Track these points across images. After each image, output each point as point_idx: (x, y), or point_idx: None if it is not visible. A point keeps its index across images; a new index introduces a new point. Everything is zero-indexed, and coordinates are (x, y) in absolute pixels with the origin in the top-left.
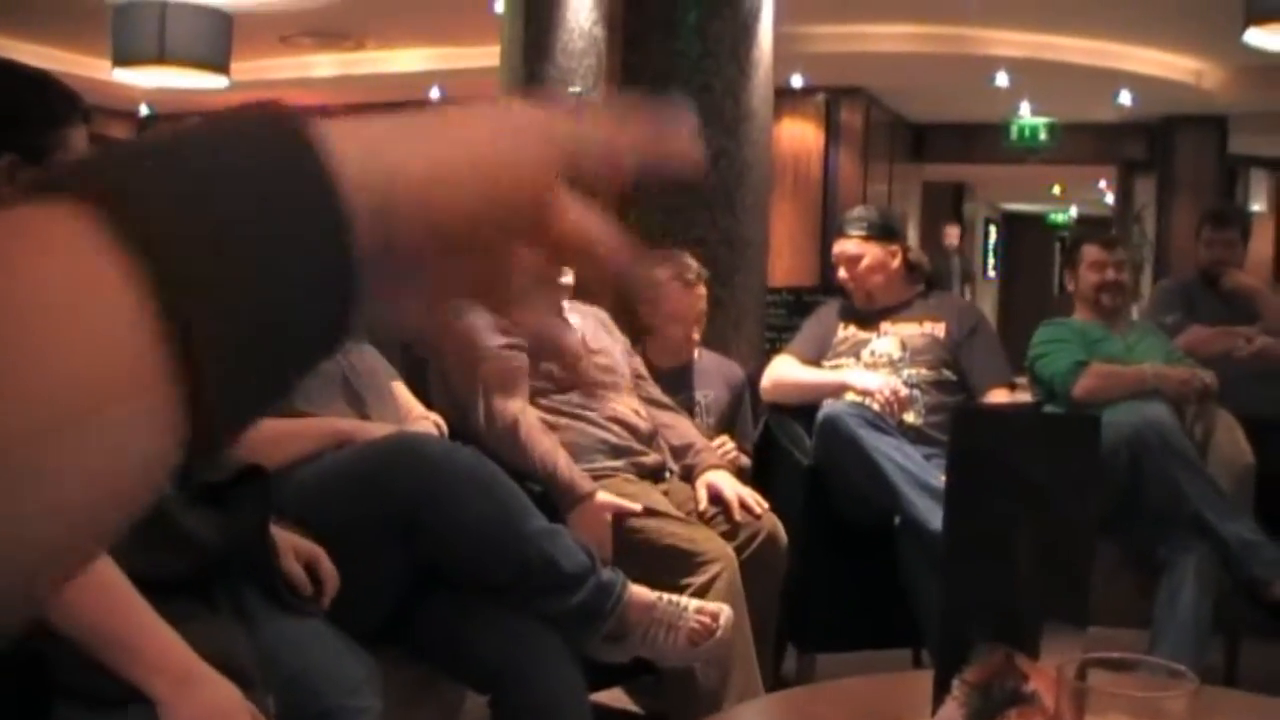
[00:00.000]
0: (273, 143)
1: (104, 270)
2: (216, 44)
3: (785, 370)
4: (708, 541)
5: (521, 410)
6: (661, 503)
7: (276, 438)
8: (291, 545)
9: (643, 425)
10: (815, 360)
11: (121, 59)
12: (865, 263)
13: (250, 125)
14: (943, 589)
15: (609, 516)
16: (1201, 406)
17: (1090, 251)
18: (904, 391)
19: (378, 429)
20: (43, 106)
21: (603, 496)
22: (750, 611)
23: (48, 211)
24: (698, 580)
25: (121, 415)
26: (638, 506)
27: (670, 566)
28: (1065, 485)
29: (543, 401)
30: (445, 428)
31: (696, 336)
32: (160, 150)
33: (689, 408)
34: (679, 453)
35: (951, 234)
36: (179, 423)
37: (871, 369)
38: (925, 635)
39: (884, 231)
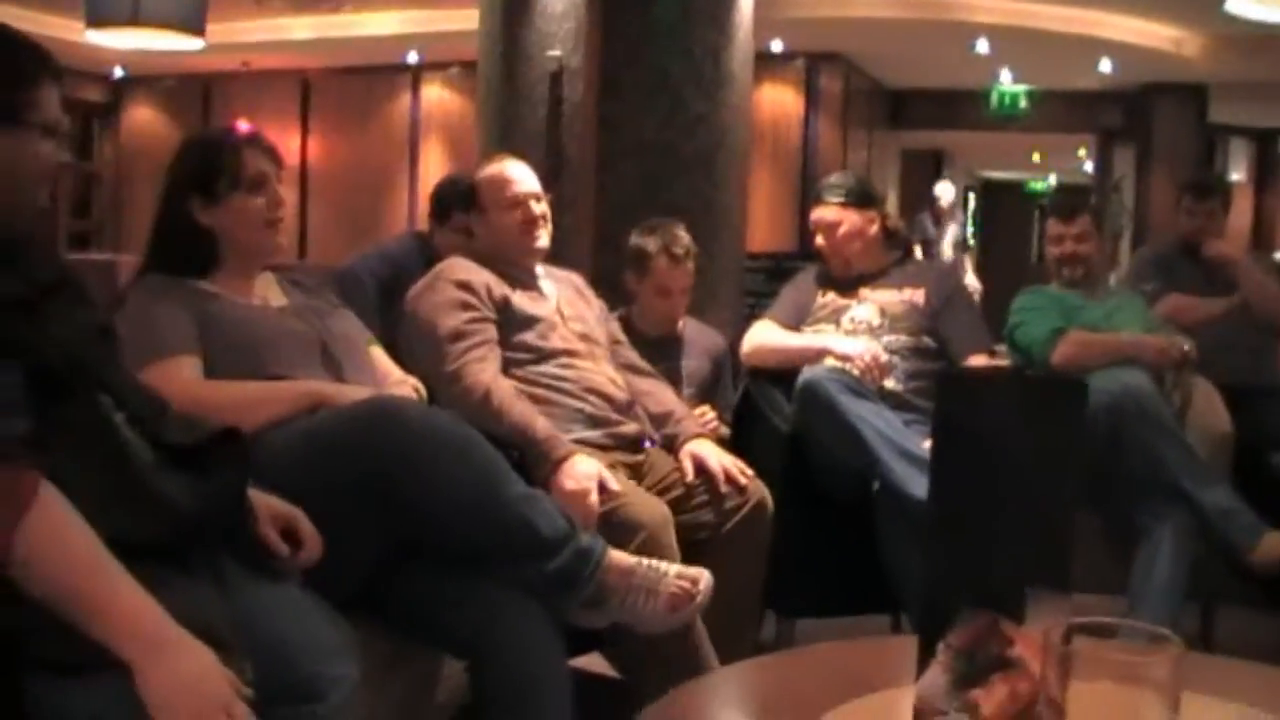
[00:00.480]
0: None
1: None
2: (191, 6)
3: (765, 335)
4: (635, 507)
5: (494, 379)
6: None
7: (250, 401)
8: (269, 508)
9: (620, 395)
10: (795, 326)
11: (94, 20)
12: (843, 230)
13: None
14: (926, 554)
15: (591, 483)
16: (1179, 374)
17: (1050, 225)
18: (884, 357)
19: (354, 392)
20: (11, 65)
21: (582, 462)
22: (737, 577)
23: None
24: (629, 547)
25: None
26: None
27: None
28: (1050, 449)
29: (517, 372)
30: (424, 391)
31: (681, 310)
32: None
33: (672, 377)
34: (659, 420)
35: (944, 196)
36: None
37: (851, 335)
38: (903, 601)
39: (862, 198)
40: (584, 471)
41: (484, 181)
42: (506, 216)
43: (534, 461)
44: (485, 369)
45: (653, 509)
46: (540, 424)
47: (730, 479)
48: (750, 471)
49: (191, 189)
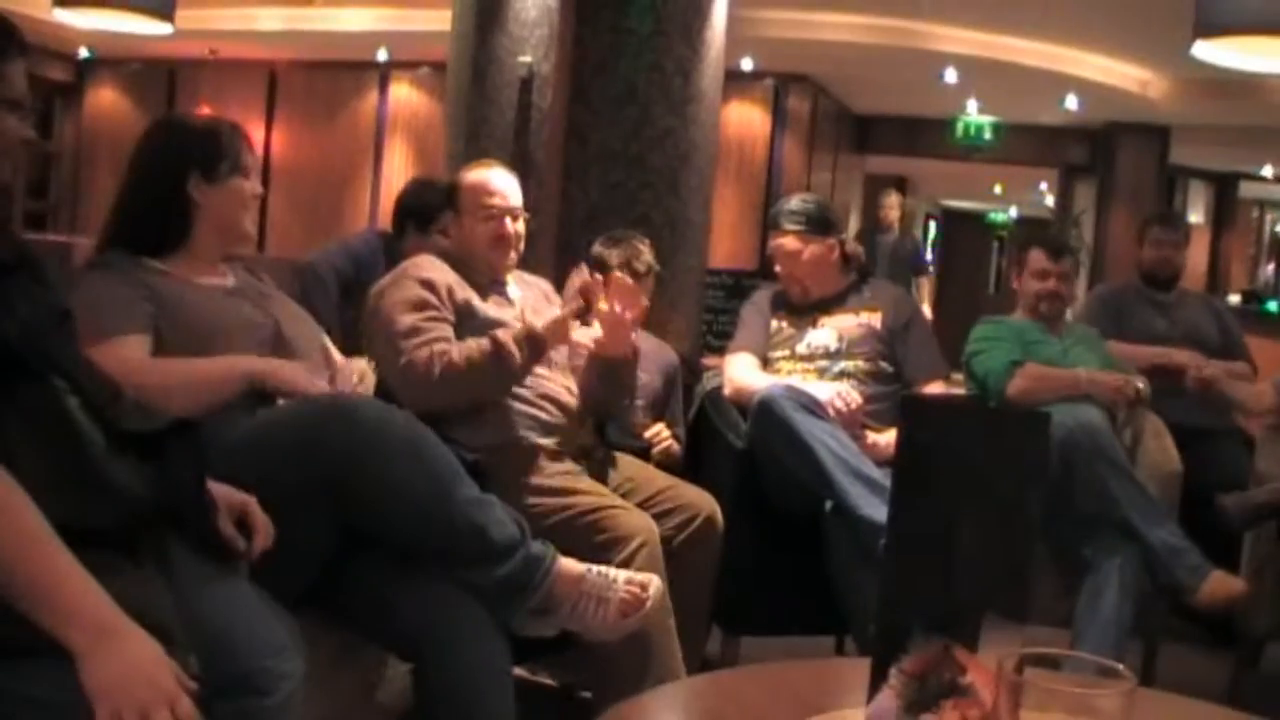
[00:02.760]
0: None
1: None
2: None
3: (746, 376)
4: (626, 515)
5: (438, 351)
6: (583, 481)
7: (190, 381)
8: (224, 498)
9: (574, 403)
10: (764, 355)
11: None
12: (804, 259)
13: None
14: (883, 577)
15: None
16: (1132, 412)
17: (1036, 257)
18: (856, 401)
19: (290, 368)
20: None
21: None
22: (685, 592)
23: None
24: (617, 556)
25: None
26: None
27: (590, 544)
28: (1011, 479)
29: None
30: (370, 378)
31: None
32: None
33: None
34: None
35: (890, 206)
36: None
37: (808, 361)
38: (850, 622)
39: (821, 225)
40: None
41: (467, 185)
42: (481, 227)
43: (522, 356)
44: (429, 349)
45: (641, 518)
46: (494, 338)
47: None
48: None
49: (194, 166)
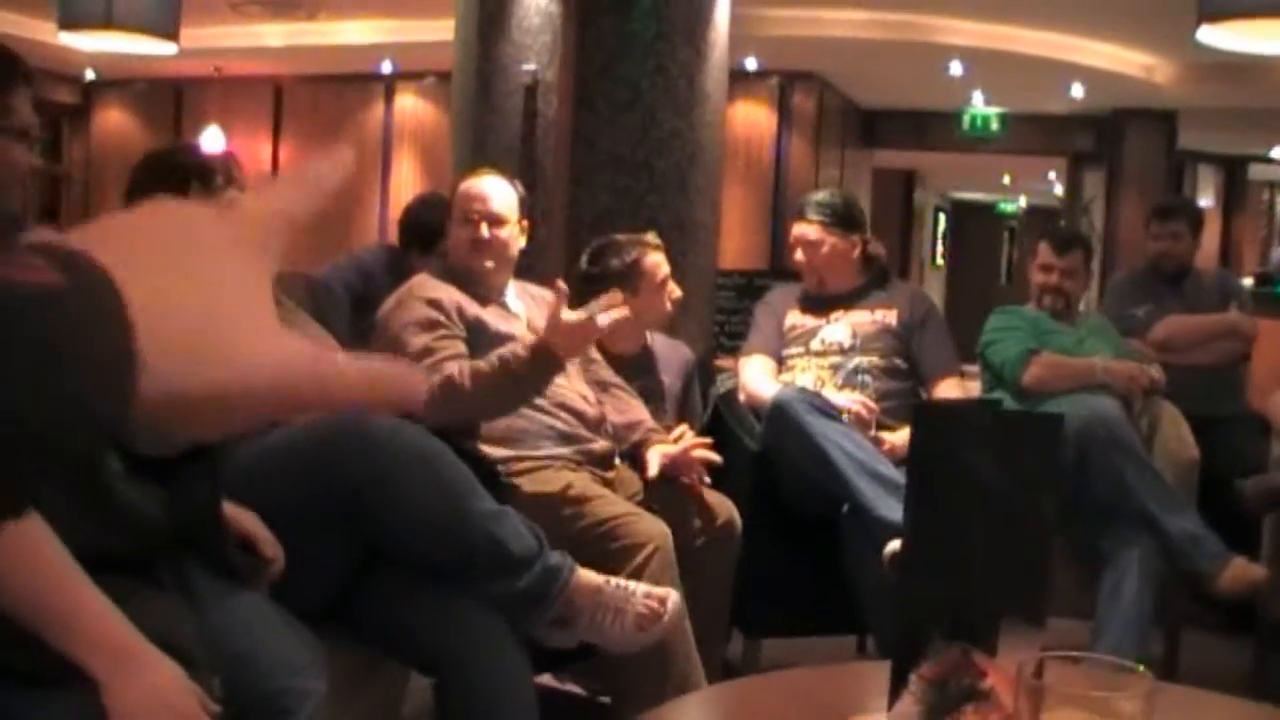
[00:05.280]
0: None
1: None
2: (165, 10)
3: (760, 383)
4: (639, 522)
5: (452, 371)
6: (593, 488)
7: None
8: (233, 518)
9: (590, 411)
10: (777, 355)
11: (67, 22)
12: (824, 250)
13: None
14: (900, 583)
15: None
16: (1148, 401)
17: (1042, 251)
18: (872, 407)
19: None
20: None
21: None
22: (704, 597)
23: None
24: (630, 563)
25: None
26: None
27: (603, 551)
28: (1025, 483)
29: None
30: None
31: (679, 294)
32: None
33: (649, 393)
34: (625, 432)
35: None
36: None
37: (821, 357)
38: (870, 623)
39: (846, 222)
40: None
41: (457, 192)
42: (460, 230)
43: (537, 370)
44: (444, 369)
45: (656, 525)
46: (508, 351)
47: (700, 465)
48: (716, 456)
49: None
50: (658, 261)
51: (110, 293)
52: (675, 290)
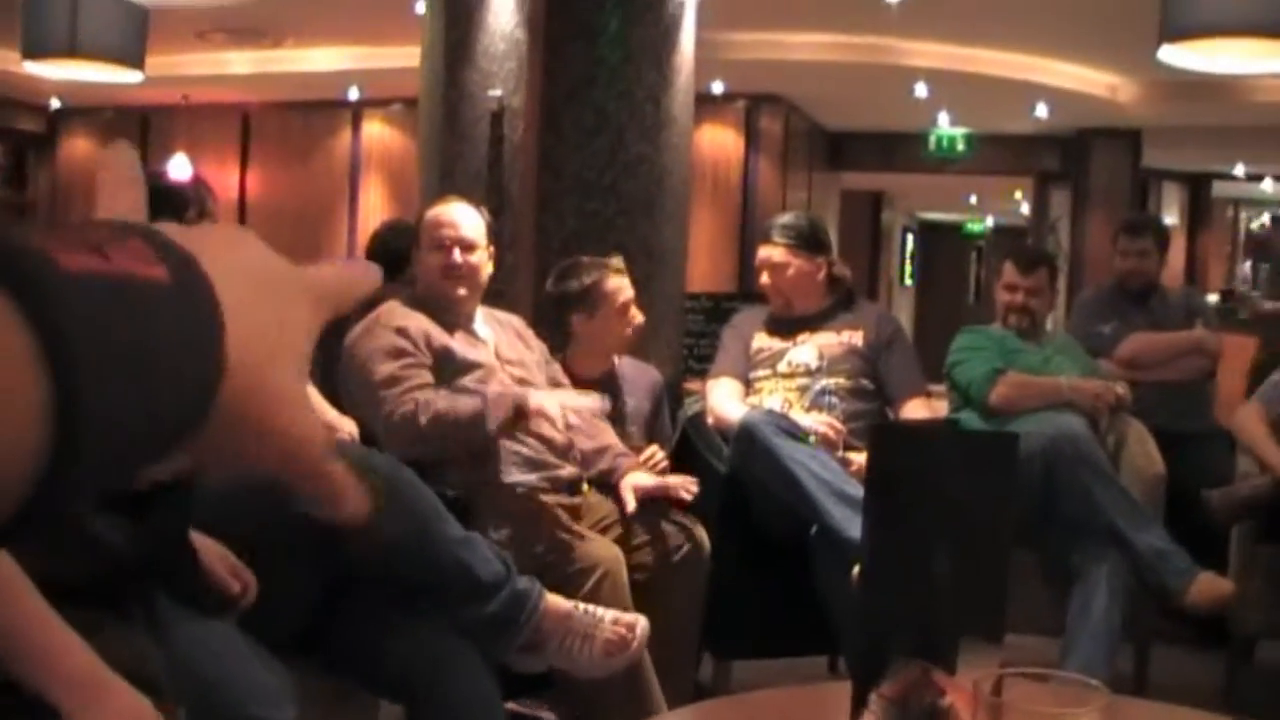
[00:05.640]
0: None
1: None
2: (130, 38)
3: (727, 405)
4: (589, 546)
5: (423, 401)
6: (548, 514)
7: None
8: (203, 551)
9: (558, 438)
10: (745, 378)
11: (31, 51)
12: (789, 273)
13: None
14: (860, 603)
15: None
16: (1114, 418)
17: (1006, 270)
18: (840, 428)
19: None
20: None
21: (537, 401)
22: (675, 618)
23: None
24: (582, 587)
25: None
26: (586, 402)
27: (564, 575)
28: (983, 502)
29: None
30: (356, 434)
31: (642, 320)
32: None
33: (613, 418)
34: (594, 457)
35: None
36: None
37: (789, 379)
38: (841, 643)
39: (812, 244)
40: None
41: (424, 219)
42: (431, 257)
43: (495, 428)
44: (414, 398)
45: (606, 548)
46: (483, 399)
47: (678, 500)
48: (695, 485)
49: (162, 213)
50: (619, 286)
51: (210, 299)
52: (637, 316)
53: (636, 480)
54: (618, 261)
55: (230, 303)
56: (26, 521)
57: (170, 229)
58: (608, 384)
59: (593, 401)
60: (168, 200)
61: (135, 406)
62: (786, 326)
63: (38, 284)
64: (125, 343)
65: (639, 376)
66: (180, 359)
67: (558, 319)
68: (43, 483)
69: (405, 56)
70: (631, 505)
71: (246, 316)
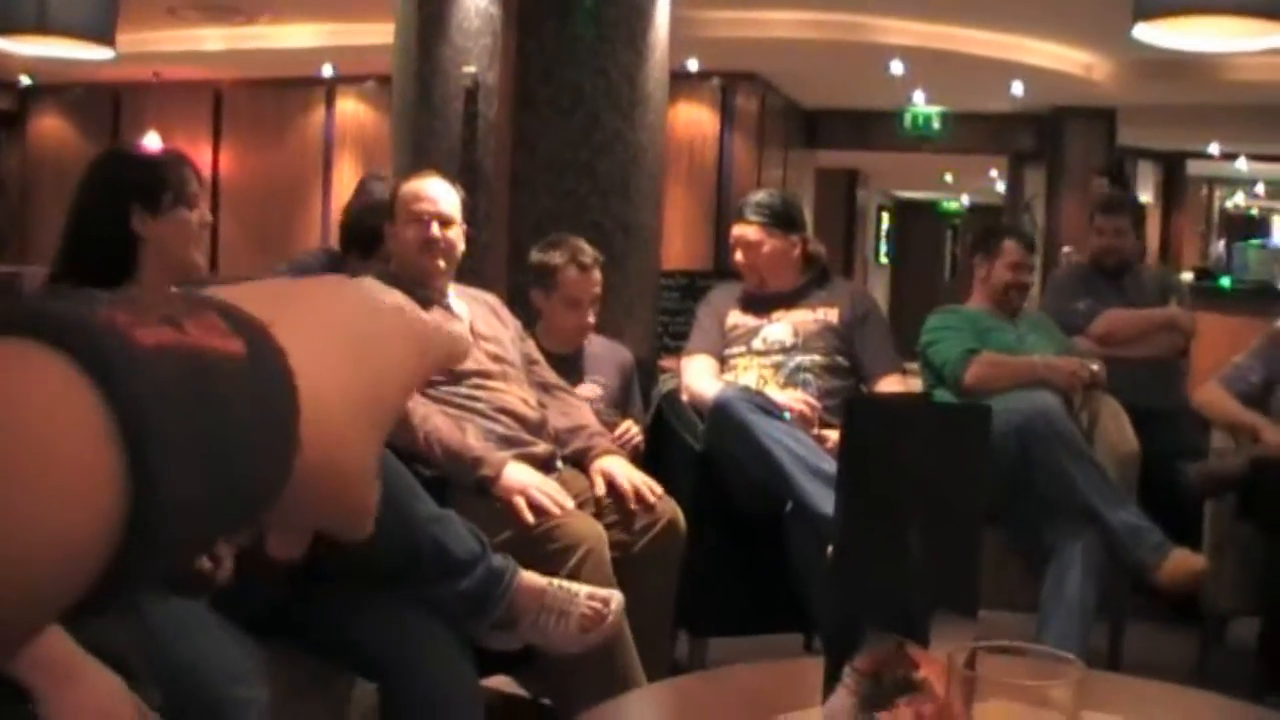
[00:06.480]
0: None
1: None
2: (101, 14)
3: (702, 383)
4: (572, 523)
5: (414, 408)
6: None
7: None
8: None
9: (532, 415)
10: (719, 355)
11: (0, 27)
12: (764, 251)
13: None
14: (833, 577)
15: (529, 489)
16: (1088, 395)
17: (1012, 249)
18: (815, 405)
19: None
20: None
21: (510, 477)
22: (649, 597)
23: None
24: (565, 565)
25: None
26: (557, 510)
27: (543, 554)
28: (956, 475)
29: (430, 393)
30: None
31: (591, 321)
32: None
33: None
34: (569, 435)
35: None
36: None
37: (764, 356)
38: (816, 620)
39: (785, 222)
40: (519, 481)
41: (400, 195)
42: (408, 231)
43: (476, 482)
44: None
45: (589, 526)
46: (471, 444)
47: (640, 498)
48: (660, 490)
49: (134, 198)
50: (577, 280)
51: (283, 371)
52: (588, 317)
53: (605, 466)
54: (589, 257)
55: (310, 371)
56: (96, 603)
57: (268, 285)
58: (575, 362)
59: (565, 497)
60: (139, 187)
61: (212, 487)
62: (761, 304)
63: (114, 362)
64: (202, 421)
65: (607, 354)
66: (257, 437)
67: (534, 289)
68: (115, 564)
69: (379, 33)
70: (601, 489)
71: (326, 380)
